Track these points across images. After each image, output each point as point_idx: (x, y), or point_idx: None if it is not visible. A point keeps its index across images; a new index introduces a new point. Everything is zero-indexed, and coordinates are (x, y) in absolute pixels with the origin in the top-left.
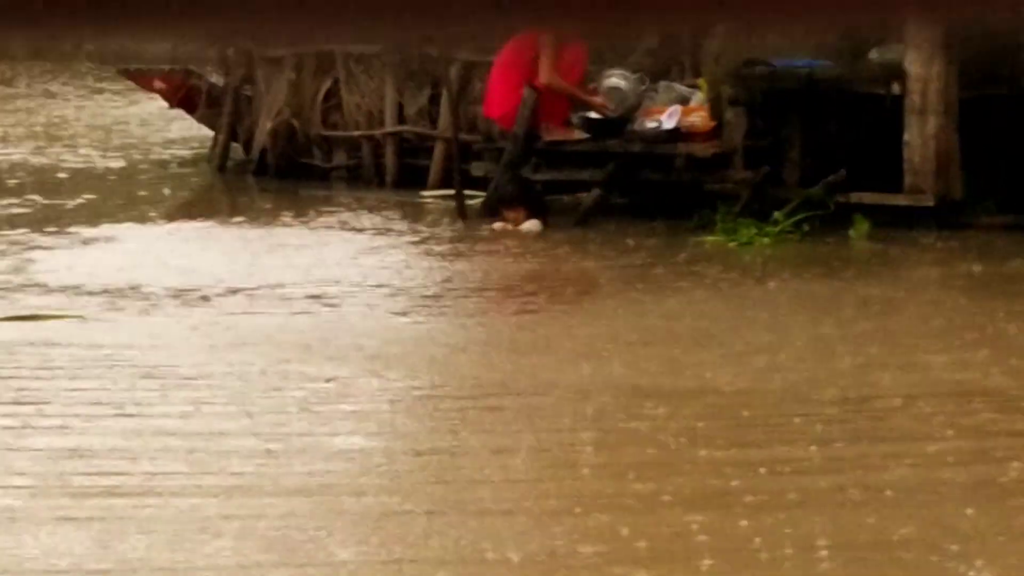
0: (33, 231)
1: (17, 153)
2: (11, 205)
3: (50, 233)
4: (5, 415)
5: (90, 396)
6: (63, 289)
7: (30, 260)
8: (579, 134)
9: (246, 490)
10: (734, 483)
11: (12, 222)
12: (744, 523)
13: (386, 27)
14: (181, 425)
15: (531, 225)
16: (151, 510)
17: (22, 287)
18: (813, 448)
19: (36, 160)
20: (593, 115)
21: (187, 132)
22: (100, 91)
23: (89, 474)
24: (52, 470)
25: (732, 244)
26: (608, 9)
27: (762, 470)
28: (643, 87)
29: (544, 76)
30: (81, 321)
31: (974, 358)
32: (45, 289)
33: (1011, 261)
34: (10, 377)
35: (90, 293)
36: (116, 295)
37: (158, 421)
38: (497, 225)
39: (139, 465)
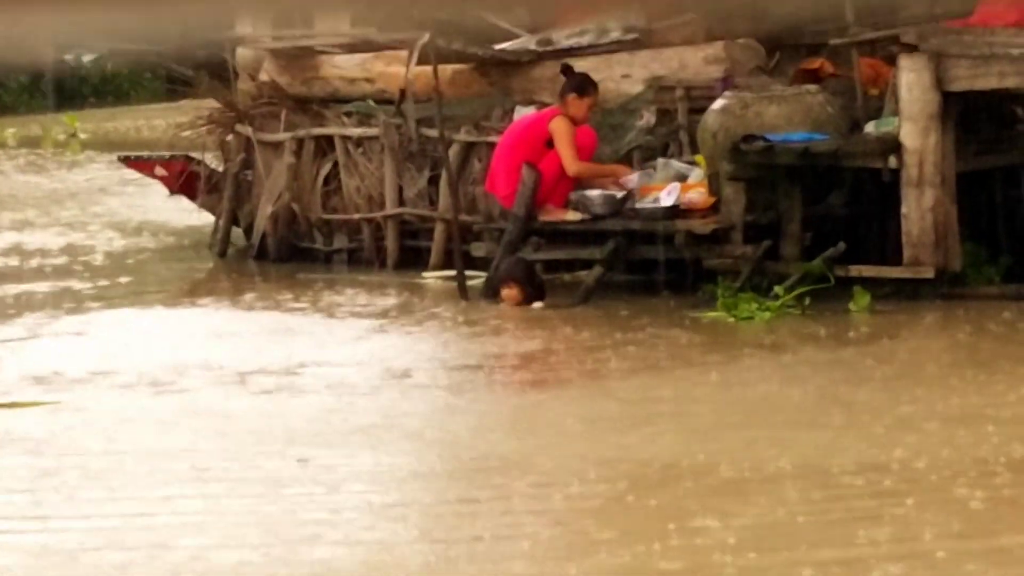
0: (25, 315)
1: (11, 237)
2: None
3: (42, 318)
4: None
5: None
6: (50, 376)
7: (16, 345)
8: (573, 215)
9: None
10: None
11: (4, 306)
12: None
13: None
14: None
15: (533, 306)
16: None
17: (5, 374)
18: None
19: (31, 245)
20: (592, 194)
21: (188, 218)
22: (97, 178)
23: None
24: None
25: (733, 319)
26: None
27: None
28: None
29: (571, 168)
30: (60, 408)
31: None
32: (30, 376)
33: (1014, 332)
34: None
35: (80, 380)
36: (108, 381)
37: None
38: (502, 305)
39: None
